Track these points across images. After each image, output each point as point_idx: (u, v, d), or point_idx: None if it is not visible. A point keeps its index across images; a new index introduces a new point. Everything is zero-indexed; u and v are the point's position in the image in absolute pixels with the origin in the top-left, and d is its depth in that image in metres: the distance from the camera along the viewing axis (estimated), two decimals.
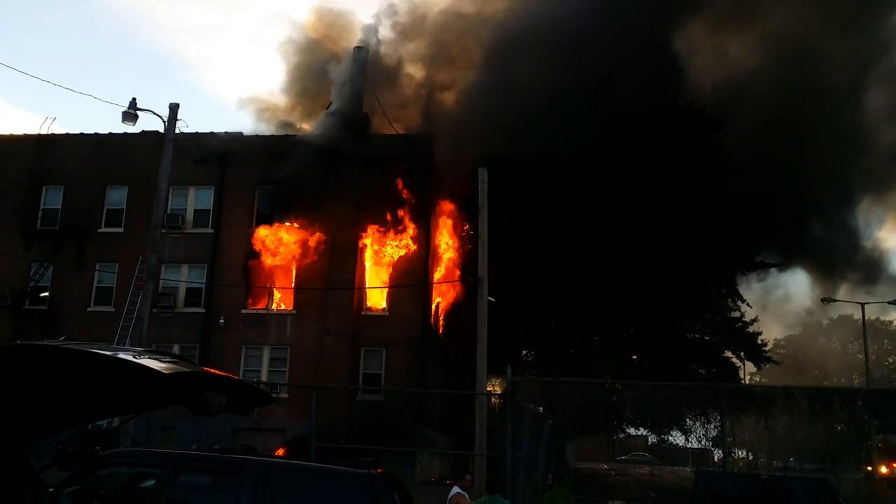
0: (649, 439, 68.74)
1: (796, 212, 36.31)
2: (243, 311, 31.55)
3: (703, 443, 15.23)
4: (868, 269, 45.07)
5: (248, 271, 31.76)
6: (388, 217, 31.31)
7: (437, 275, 33.30)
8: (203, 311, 31.79)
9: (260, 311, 31.73)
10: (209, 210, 32.88)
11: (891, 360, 77.97)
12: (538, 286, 30.91)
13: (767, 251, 35.85)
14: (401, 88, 35.94)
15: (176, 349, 29.63)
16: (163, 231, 22.65)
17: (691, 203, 30.80)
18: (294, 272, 31.72)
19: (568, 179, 30.29)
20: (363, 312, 31.31)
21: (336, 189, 30.75)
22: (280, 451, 23.57)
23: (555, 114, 29.34)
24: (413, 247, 31.46)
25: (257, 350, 31.19)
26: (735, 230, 32.61)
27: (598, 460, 57.15)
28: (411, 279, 30.64)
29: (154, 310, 25.02)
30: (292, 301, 31.69)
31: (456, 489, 11.80)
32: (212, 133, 32.85)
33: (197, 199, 33.22)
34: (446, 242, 34.30)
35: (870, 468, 33.83)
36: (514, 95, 29.98)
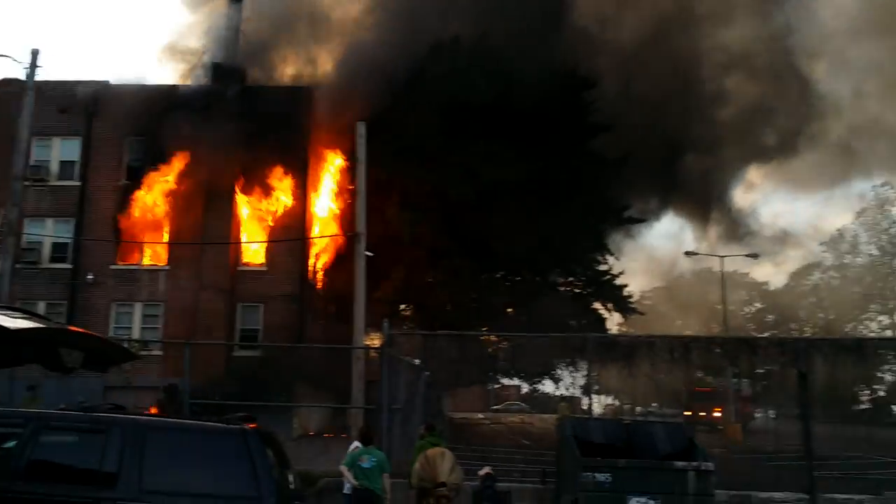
0: (522, 389, 71.21)
1: (665, 165, 37.80)
2: (113, 267, 30.55)
3: (570, 390, 15.95)
4: (731, 224, 47.62)
5: (117, 225, 30.74)
6: (266, 171, 30.80)
7: (316, 229, 33.08)
8: (70, 266, 30.62)
9: (131, 267, 30.81)
10: (76, 162, 31.60)
11: (747, 310, 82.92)
12: (416, 240, 31.25)
13: (644, 203, 37.42)
14: (281, 41, 35.10)
15: (42, 307, 28.51)
16: (25, 183, 21.67)
17: (564, 160, 31.69)
18: (167, 226, 30.92)
19: (445, 134, 30.53)
20: (240, 268, 30.86)
21: (211, 141, 29.98)
22: (153, 410, 23.12)
23: (432, 68, 29.44)
24: (291, 201, 31.12)
25: (128, 307, 30.36)
26: (607, 185, 33.84)
27: (474, 410, 58.65)
28: (289, 234, 30.37)
29: (17, 266, 23.93)
30: (165, 256, 30.93)
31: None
32: (77, 81, 31.46)
33: (62, 150, 31.85)
34: (325, 196, 34.05)
35: (720, 412, 36.41)
36: (394, 49, 29.85)
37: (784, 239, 72.64)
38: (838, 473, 14.55)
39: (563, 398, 30.20)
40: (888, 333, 63.52)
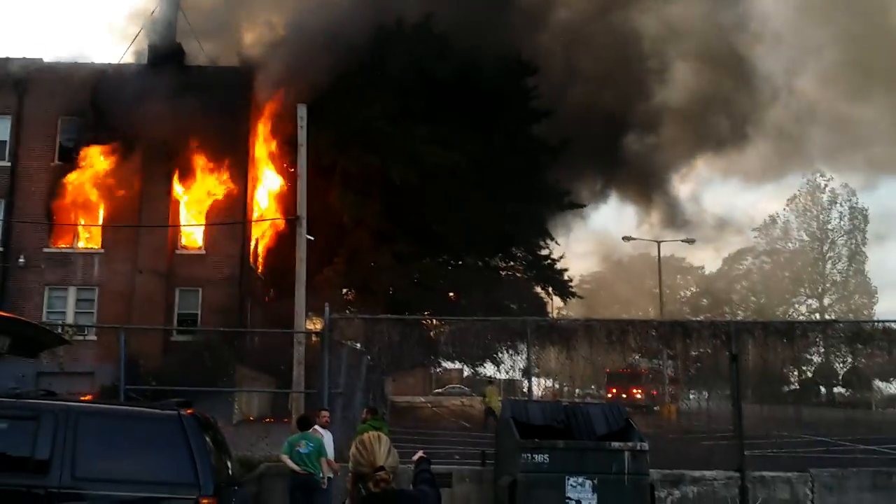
0: (464, 372, 71.81)
1: (609, 147, 38.25)
2: (46, 250, 29.84)
3: (510, 374, 16.10)
4: (671, 209, 48.56)
5: (50, 207, 29.98)
6: (204, 152, 30.28)
7: (256, 212, 32.69)
8: (0, 249, 29.80)
9: (64, 250, 30.10)
10: (6, 141, 30.71)
11: (681, 293, 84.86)
12: (359, 224, 31.15)
13: (590, 185, 38.01)
14: (221, 22, 34.43)
15: None
16: None
17: (506, 144, 31.89)
18: (102, 208, 30.24)
19: (388, 117, 30.44)
20: (178, 251, 30.38)
21: (148, 121, 29.37)
22: (88, 396, 22.68)
23: (375, 51, 29.27)
24: (231, 183, 30.68)
25: (62, 291, 29.70)
26: (548, 170, 34.18)
27: (417, 394, 58.99)
28: (229, 216, 29.98)
29: None
30: (100, 239, 30.28)
31: (314, 427, 11.99)
32: (8, 58, 30.56)
33: None
34: (266, 179, 33.65)
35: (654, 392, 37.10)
36: (335, 31, 29.55)
37: (723, 225, 74.57)
38: (768, 452, 15.03)
39: (489, 381, 30.49)
40: (817, 317, 65.66)
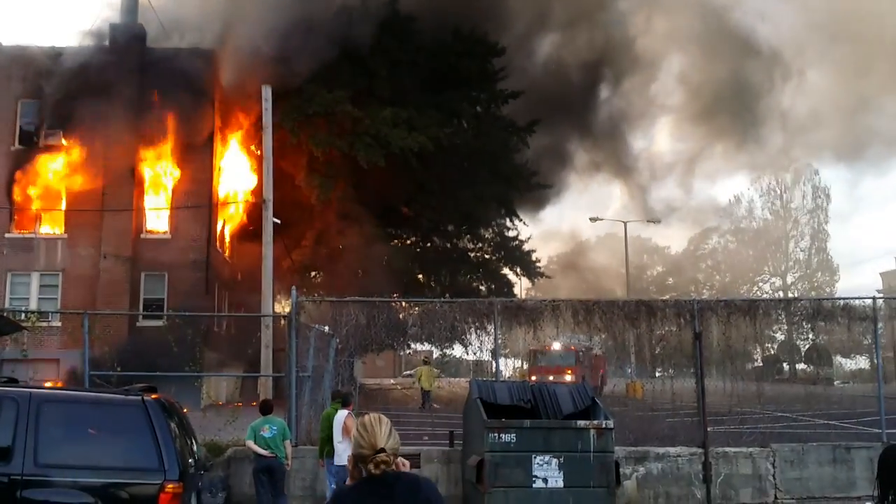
0: (433, 354, 71.96)
1: (580, 115, 38.37)
2: (7, 235, 29.41)
3: (477, 354, 16.17)
4: (637, 193, 49.04)
5: (11, 192, 29.50)
6: (169, 135, 29.92)
7: (222, 195, 32.38)
8: None
9: (26, 235, 29.67)
10: None
11: (648, 273, 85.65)
12: (326, 206, 31.02)
13: (563, 160, 38.27)
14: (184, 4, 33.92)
15: None
16: None
17: (474, 126, 31.88)
18: (64, 193, 29.81)
19: (353, 101, 30.28)
20: (143, 235, 30.05)
21: (111, 104, 28.97)
22: (57, 383, 22.48)
23: (341, 33, 29.07)
24: (196, 166, 30.33)
25: (24, 277, 29.29)
26: (521, 147, 34.28)
27: (386, 376, 59.09)
28: (195, 200, 29.68)
29: None
30: (64, 224, 29.87)
31: (345, 412, 11.96)
32: None
33: None
34: (232, 162, 33.34)
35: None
36: (300, 13, 29.30)
37: (711, 209, 75.17)
38: (730, 428, 15.27)
39: (425, 360, 30.49)
40: (780, 295, 66.67)
